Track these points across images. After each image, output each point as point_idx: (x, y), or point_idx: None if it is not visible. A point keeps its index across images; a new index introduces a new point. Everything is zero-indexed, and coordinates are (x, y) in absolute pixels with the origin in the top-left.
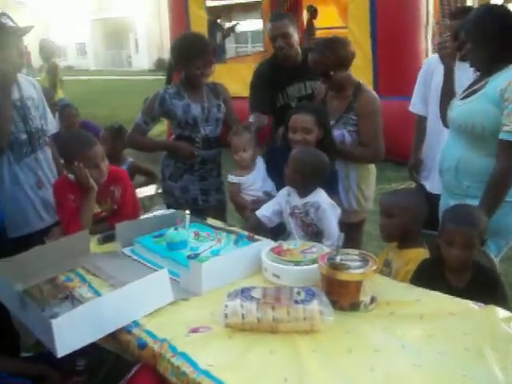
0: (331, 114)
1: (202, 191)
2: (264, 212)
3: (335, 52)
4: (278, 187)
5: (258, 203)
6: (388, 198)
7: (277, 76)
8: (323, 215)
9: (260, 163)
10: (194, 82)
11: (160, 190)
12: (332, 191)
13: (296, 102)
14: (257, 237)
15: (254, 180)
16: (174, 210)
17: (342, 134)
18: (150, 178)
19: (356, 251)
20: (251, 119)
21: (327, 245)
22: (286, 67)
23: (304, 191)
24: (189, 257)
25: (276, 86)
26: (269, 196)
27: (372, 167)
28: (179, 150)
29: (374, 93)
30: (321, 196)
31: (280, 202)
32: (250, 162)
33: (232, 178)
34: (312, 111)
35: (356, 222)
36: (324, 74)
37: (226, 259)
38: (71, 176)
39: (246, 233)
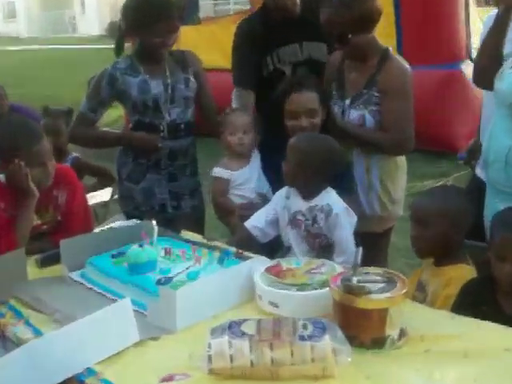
0: (348, 90)
1: (171, 195)
2: (255, 222)
3: (355, 7)
4: (274, 191)
5: (249, 209)
6: (421, 200)
7: (266, 34)
8: (335, 223)
9: (257, 157)
10: (152, 52)
11: (116, 195)
12: (346, 191)
13: (290, 69)
14: (247, 254)
15: (249, 176)
16: (136, 221)
17: (361, 115)
18: (102, 179)
19: (379, 270)
20: (234, 99)
21: (340, 262)
22: (279, 22)
23: (309, 192)
24: (158, 282)
25: (264, 47)
26: (263, 200)
27: (401, 159)
28: (137, 142)
29: (404, 63)
30: (332, 197)
31: (276, 209)
32: (248, 150)
33: (219, 172)
34: (314, 87)
35: (379, 232)
36: (339, 37)
37: (207, 284)
38: (1, 177)
39: (232, 249)
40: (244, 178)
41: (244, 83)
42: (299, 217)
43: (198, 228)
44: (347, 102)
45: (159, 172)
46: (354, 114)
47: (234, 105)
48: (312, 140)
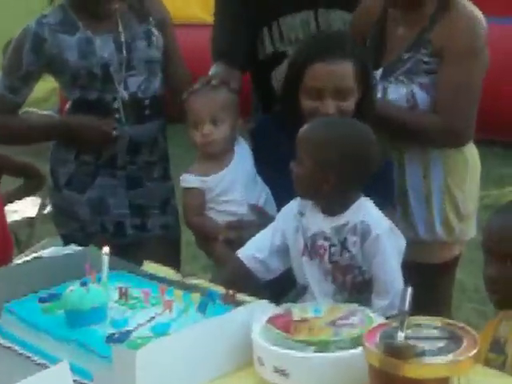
0: (388, 54)
1: (133, 209)
2: (253, 251)
3: None
4: (280, 200)
5: (239, 229)
6: (503, 221)
7: None
8: (376, 249)
9: (243, 151)
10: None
11: (49, 208)
12: (385, 202)
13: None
14: (240, 296)
15: (231, 182)
16: (78, 248)
17: (408, 93)
18: (29, 184)
19: (437, 321)
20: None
21: (382, 307)
22: None
23: (334, 204)
24: (110, 339)
25: (261, 14)
26: (261, 216)
27: (472, 154)
28: (80, 130)
29: (475, 11)
30: (369, 211)
31: (284, 230)
32: (223, 146)
33: (188, 180)
34: (351, 52)
35: (439, 264)
36: None
37: (182, 342)
38: None
39: (219, 289)
40: (224, 186)
41: (227, 58)
42: (321, 241)
43: (171, 258)
44: (378, 72)
45: (114, 174)
46: (396, 92)
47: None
48: (334, 127)
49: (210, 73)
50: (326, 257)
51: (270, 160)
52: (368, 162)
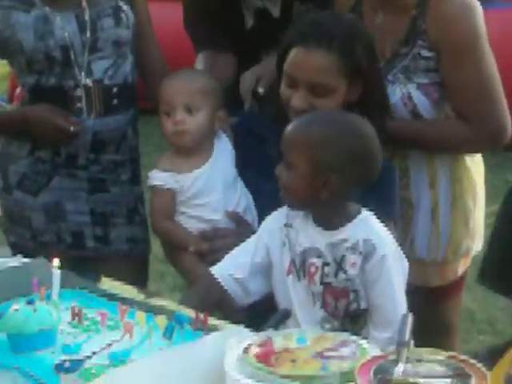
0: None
1: (95, 217)
2: (230, 269)
3: None
4: (263, 208)
5: (214, 240)
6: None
7: None
8: (379, 272)
9: (223, 148)
10: None
11: None
12: (385, 215)
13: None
14: (212, 321)
15: (207, 183)
16: (26, 260)
17: (404, 94)
18: None
19: (441, 354)
20: (198, 65)
21: (381, 340)
22: None
23: (331, 216)
24: (60, 367)
25: None
26: (240, 225)
27: (479, 162)
28: (34, 124)
29: None
30: (375, 229)
31: (267, 245)
32: (198, 139)
33: (156, 177)
34: (341, 43)
35: (443, 287)
36: None
37: (144, 373)
38: None
39: (188, 311)
40: (199, 187)
41: (211, 43)
42: (312, 258)
43: (137, 276)
44: None
45: (74, 175)
46: (392, 94)
47: (197, 66)
48: (330, 123)
49: (196, 64)
50: (317, 277)
51: (254, 161)
52: (371, 162)
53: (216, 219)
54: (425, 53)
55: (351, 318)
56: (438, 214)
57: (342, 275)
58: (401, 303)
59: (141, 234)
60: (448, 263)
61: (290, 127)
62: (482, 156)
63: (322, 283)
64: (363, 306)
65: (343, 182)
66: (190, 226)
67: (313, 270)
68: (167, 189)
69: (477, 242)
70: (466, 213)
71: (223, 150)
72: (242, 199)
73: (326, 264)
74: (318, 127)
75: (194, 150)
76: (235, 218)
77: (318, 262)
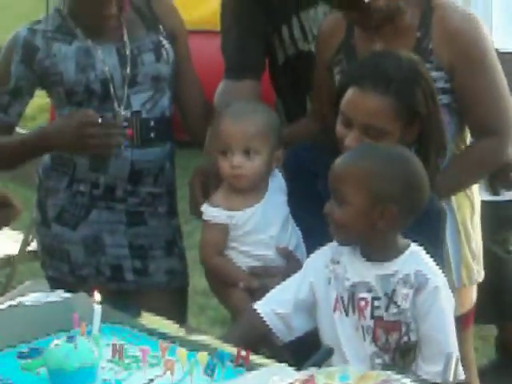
0: None
1: (133, 250)
2: (274, 305)
3: None
4: (310, 246)
5: (265, 276)
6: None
7: None
8: (431, 303)
9: (277, 185)
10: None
11: (34, 245)
12: (434, 251)
13: None
14: (254, 358)
15: (262, 221)
16: (67, 295)
17: None
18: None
19: None
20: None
21: (433, 373)
22: None
23: (381, 249)
24: None
25: (278, 10)
26: (290, 260)
27: (476, 188)
28: (55, 129)
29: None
30: (426, 261)
31: (312, 282)
32: (257, 181)
33: (211, 213)
34: (397, 87)
35: (463, 316)
36: None
37: None
38: None
39: (230, 349)
40: (254, 224)
41: (242, 70)
42: (362, 293)
43: (176, 309)
44: None
45: (113, 207)
46: None
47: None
48: (378, 152)
49: (217, 91)
50: (368, 311)
51: (303, 198)
52: (422, 189)
53: (267, 256)
54: (434, 74)
55: (402, 351)
56: (445, 241)
57: (393, 309)
58: (452, 335)
59: (179, 266)
60: (465, 290)
61: (338, 162)
62: None
63: (372, 317)
64: (413, 338)
65: (398, 212)
66: (240, 261)
67: (363, 304)
68: (220, 224)
69: (481, 269)
70: (468, 237)
71: (277, 187)
72: (293, 236)
73: (376, 298)
74: (370, 159)
75: (248, 191)
76: (286, 254)
77: (367, 296)
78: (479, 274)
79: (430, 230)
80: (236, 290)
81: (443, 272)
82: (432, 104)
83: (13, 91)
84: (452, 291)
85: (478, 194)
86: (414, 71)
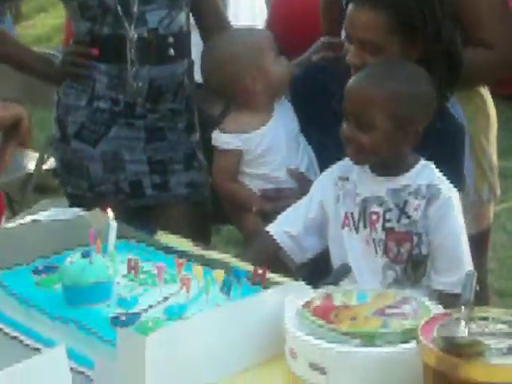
0: None
1: (152, 165)
2: (284, 225)
3: None
4: (327, 163)
5: (277, 199)
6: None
7: None
8: (444, 214)
9: (284, 103)
10: None
11: (50, 163)
12: (453, 171)
13: None
14: (271, 276)
15: (273, 140)
16: (82, 211)
17: None
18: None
19: (507, 314)
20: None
21: (449, 283)
22: None
23: (393, 164)
24: (115, 321)
25: None
26: (302, 184)
27: (489, 98)
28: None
29: None
30: (438, 175)
31: (322, 200)
32: (264, 95)
33: (223, 139)
34: (389, 1)
35: (476, 235)
36: None
37: (201, 328)
38: None
39: (247, 266)
40: (266, 145)
41: None
42: (374, 207)
43: (199, 222)
44: None
45: (132, 124)
46: None
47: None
48: (395, 74)
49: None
50: (380, 224)
51: (317, 115)
52: (433, 103)
53: (278, 178)
54: None
55: (413, 263)
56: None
57: (404, 220)
58: (466, 246)
59: (200, 179)
60: (482, 208)
61: (356, 84)
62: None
63: (383, 229)
64: (424, 251)
65: (417, 130)
66: (252, 185)
67: (374, 218)
68: (232, 150)
69: (497, 182)
70: (483, 149)
71: (284, 108)
72: (304, 156)
73: (388, 210)
74: (391, 80)
75: (257, 109)
76: (297, 176)
77: (379, 210)
78: (494, 186)
79: (449, 149)
80: (250, 214)
81: (462, 189)
82: (432, 18)
83: None
84: (468, 209)
85: (492, 106)
86: None
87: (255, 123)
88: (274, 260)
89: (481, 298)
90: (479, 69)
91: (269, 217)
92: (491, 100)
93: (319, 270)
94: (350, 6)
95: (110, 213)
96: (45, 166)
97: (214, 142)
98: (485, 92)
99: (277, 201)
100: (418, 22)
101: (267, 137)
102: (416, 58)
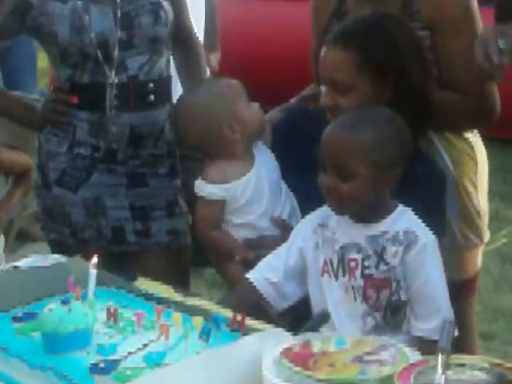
0: None
1: (134, 211)
2: (264, 272)
3: None
4: (308, 210)
5: (261, 247)
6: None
7: None
8: (421, 261)
9: (263, 152)
10: None
11: (33, 209)
12: (434, 216)
13: None
14: (251, 323)
15: (257, 189)
16: (62, 258)
17: None
18: (18, 180)
19: (483, 361)
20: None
21: (427, 330)
22: None
23: (370, 211)
24: (94, 369)
25: None
26: (285, 230)
27: (478, 144)
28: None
29: None
30: (415, 220)
31: (301, 248)
32: (243, 142)
33: (205, 189)
34: (360, 41)
35: (462, 282)
36: None
37: (180, 375)
38: None
39: (226, 312)
40: (250, 194)
41: None
42: (352, 254)
43: (179, 269)
44: None
45: (114, 170)
46: None
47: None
48: (370, 121)
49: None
50: (358, 271)
51: (296, 164)
52: (409, 143)
53: (261, 226)
54: (420, 33)
55: (392, 310)
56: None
57: (383, 266)
58: (444, 292)
59: (181, 226)
60: (469, 254)
61: (332, 134)
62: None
63: (362, 276)
64: (404, 297)
65: (396, 173)
66: (237, 235)
67: (353, 265)
68: (215, 201)
69: (486, 230)
70: (471, 196)
71: (263, 154)
72: (286, 203)
73: (366, 257)
74: (367, 128)
75: (237, 157)
76: (280, 224)
77: (357, 256)
78: (484, 232)
79: (431, 194)
80: (233, 262)
81: (446, 235)
82: (399, 57)
83: None
84: (455, 254)
85: (481, 150)
86: (378, 27)
87: (237, 172)
88: (255, 307)
89: (466, 343)
90: (452, 112)
91: (252, 265)
92: (481, 144)
93: (301, 316)
94: (324, 47)
95: (95, 259)
96: (27, 211)
97: (197, 192)
98: (472, 136)
99: (260, 248)
100: (386, 61)
101: (250, 186)
102: (386, 98)
